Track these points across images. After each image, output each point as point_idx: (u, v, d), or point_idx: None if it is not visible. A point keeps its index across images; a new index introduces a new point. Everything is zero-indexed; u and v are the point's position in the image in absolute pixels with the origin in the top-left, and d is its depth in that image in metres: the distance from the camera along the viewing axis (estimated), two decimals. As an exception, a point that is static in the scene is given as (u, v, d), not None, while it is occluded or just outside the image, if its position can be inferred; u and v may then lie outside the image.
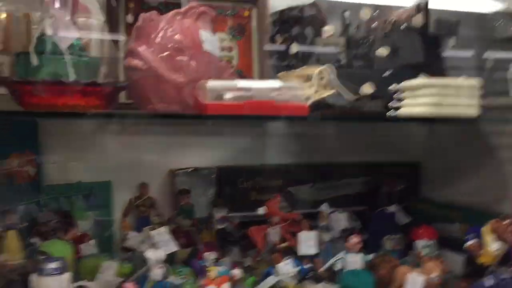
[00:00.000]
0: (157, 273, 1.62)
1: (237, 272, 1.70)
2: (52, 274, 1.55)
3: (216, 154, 2.22)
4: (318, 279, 1.51)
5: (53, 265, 1.56)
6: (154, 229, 1.90)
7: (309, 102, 1.44)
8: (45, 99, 1.38)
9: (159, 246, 1.87)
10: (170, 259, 1.85)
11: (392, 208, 2.25)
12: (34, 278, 1.57)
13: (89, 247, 2.06)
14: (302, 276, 1.70)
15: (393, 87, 1.48)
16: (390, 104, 1.46)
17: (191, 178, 2.14)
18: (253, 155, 2.23)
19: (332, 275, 1.73)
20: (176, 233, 1.85)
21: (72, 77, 1.32)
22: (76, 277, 1.88)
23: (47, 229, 2.02)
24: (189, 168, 2.16)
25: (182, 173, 2.15)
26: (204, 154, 2.20)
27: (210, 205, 2.12)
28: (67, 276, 1.58)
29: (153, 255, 1.62)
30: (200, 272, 1.72)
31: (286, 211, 1.98)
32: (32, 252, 1.91)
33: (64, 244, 1.98)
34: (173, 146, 2.18)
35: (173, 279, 1.73)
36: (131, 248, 2.00)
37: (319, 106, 1.56)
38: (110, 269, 1.91)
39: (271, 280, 1.74)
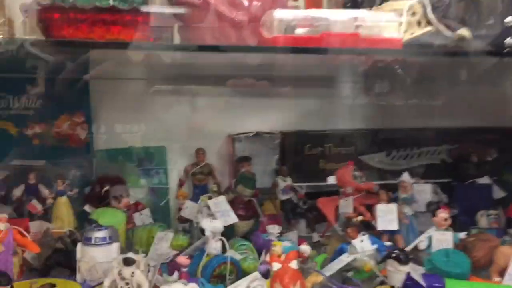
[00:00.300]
0: (214, 246, 1.41)
1: (306, 249, 1.46)
2: (99, 244, 1.38)
3: (280, 118, 2.08)
4: (403, 260, 1.23)
5: (100, 234, 1.39)
6: (211, 198, 1.73)
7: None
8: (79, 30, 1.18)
9: (217, 217, 1.69)
10: (229, 232, 1.70)
11: (483, 180, 1.92)
12: (79, 247, 1.40)
13: (143, 217, 1.92)
14: (381, 256, 1.40)
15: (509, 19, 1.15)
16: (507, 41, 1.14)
17: (253, 143, 2.03)
18: (322, 119, 2.09)
19: (416, 255, 1.48)
20: (235, 204, 1.74)
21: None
22: (129, 248, 1.76)
23: (99, 196, 1.87)
24: (250, 132, 2.03)
25: (242, 138, 2.03)
26: (267, 117, 2.07)
27: (273, 173, 1.99)
28: (115, 246, 1.41)
29: (210, 226, 1.41)
30: (263, 247, 1.54)
31: (360, 181, 1.79)
32: (84, 221, 1.76)
33: (116, 213, 1.85)
34: (233, 108, 2.06)
35: (232, 254, 1.52)
36: (188, 219, 1.86)
37: (412, 45, 1.28)
38: (164, 240, 1.74)
39: (344, 258, 1.49)
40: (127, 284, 1.24)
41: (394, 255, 1.36)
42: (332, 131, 2.07)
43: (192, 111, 2.03)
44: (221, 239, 1.44)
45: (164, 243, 1.74)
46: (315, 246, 1.76)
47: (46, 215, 1.89)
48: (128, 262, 1.24)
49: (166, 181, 2.03)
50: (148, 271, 1.32)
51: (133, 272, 1.24)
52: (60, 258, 1.49)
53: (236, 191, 1.86)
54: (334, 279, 1.43)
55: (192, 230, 1.84)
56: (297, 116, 2.09)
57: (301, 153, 2.05)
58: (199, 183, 1.98)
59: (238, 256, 1.56)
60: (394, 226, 1.67)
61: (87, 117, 1.97)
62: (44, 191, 1.89)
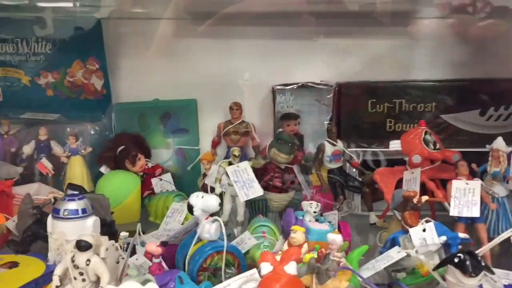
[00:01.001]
0: (206, 229, 1.06)
1: (335, 238, 1.05)
2: (68, 218, 1.10)
3: (336, 65, 1.74)
4: (469, 269, 0.79)
5: (71, 206, 1.11)
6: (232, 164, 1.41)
7: None
8: None
9: (237, 187, 1.38)
10: (262, 208, 1.45)
11: None
12: (49, 220, 1.13)
13: (164, 183, 1.65)
14: (450, 254, 0.99)
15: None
16: None
17: (300, 98, 1.71)
18: (392, 67, 1.72)
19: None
20: (268, 172, 1.47)
21: None
22: (144, 219, 1.54)
23: (114, 156, 1.60)
24: (296, 84, 1.70)
25: (287, 90, 1.70)
26: (317, 65, 1.74)
27: (324, 136, 1.61)
28: (91, 221, 1.11)
29: (200, 203, 1.05)
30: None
31: (433, 148, 1.44)
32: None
33: (128, 177, 1.59)
34: (276, 54, 1.75)
35: (246, 238, 1.16)
36: (214, 187, 1.52)
37: None
38: (179, 213, 1.43)
39: (394, 254, 1.08)
40: (81, 274, 0.94)
41: (457, 260, 0.90)
42: (405, 82, 1.70)
43: (228, 57, 1.74)
44: (216, 220, 1.07)
45: (178, 216, 1.43)
46: (370, 230, 1.50)
47: (59, 176, 1.66)
48: (81, 246, 0.93)
49: (197, 141, 1.77)
50: (121, 257, 1.00)
51: (88, 260, 0.93)
52: (38, 231, 1.23)
53: (272, 156, 1.49)
54: (374, 283, 1.01)
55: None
56: (358, 63, 1.73)
57: (362, 110, 1.69)
58: (234, 144, 1.69)
59: (252, 242, 1.20)
60: (475, 212, 1.25)
61: (102, 64, 1.69)
62: (57, 149, 1.68)
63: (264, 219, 1.34)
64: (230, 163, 1.42)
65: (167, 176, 1.65)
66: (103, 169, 1.65)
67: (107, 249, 0.96)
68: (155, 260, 1.00)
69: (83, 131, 1.69)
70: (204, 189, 1.57)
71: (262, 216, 1.35)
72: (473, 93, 1.67)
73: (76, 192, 1.20)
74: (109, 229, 1.26)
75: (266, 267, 0.84)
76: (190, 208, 1.08)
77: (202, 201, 1.08)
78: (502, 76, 1.69)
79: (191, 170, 1.74)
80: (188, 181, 1.71)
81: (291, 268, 0.83)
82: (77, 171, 1.67)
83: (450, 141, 1.60)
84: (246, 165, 1.41)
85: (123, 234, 1.15)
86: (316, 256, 0.96)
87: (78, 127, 1.69)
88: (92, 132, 1.71)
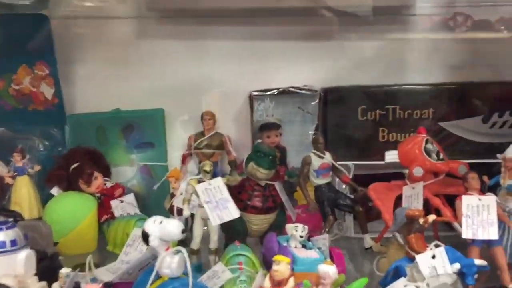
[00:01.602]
0: (167, 263, 0.84)
1: (329, 271, 0.85)
2: (-8, 251, 0.87)
3: (322, 68, 1.60)
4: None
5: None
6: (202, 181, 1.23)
7: None
8: None
9: (209, 209, 1.20)
10: (241, 233, 1.28)
11: None
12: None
13: (125, 205, 1.45)
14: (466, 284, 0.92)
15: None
16: None
17: (281, 105, 1.57)
18: (384, 70, 1.58)
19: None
20: (246, 190, 1.32)
21: None
22: (103, 248, 1.38)
23: (66, 175, 1.39)
24: (276, 89, 1.56)
25: (266, 97, 1.56)
26: (300, 68, 1.60)
27: (309, 148, 1.45)
28: (23, 255, 0.88)
29: (158, 229, 0.83)
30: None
31: (437, 159, 1.28)
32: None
33: (84, 199, 1.42)
34: (254, 57, 1.60)
35: (215, 271, 0.94)
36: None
37: None
38: (140, 241, 1.20)
39: (399, 287, 0.86)
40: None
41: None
42: (398, 86, 1.56)
43: (199, 60, 1.60)
44: (179, 251, 0.86)
45: (140, 245, 1.21)
46: (365, 255, 1.34)
47: (3, 200, 1.44)
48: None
49: (164, 156, 1.61)
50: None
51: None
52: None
53: (250, 171, 1.32)
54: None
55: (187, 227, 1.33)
56: (346, 66, 1.59)
57: (352, 118, 1.54)
58: (207, 159, 1.49)
59: (226, 275, 0.98)
60: (493, 233, 1.07)
61: (52, 70, 1.51)
62: (1, 169, 1.44)
63: (241, 247, 1.14)
64: (200, 181, 1.23)
65: (130, 197, 1.47)
66: (54, 190, 1.48)
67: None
68: (95, 307, 0.78)
69: (31, 147, 1.53)
70: (172, 211, 1.39)
71: (239, 243, 1.14)
72: (475, 98, 1.53)
73: (6, 220, 0.97)
74: (50, 264, 1.04)
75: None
76: (146, 237, 0.87)
77: (160, 228, 0.86)
78: (505, 79, 1.57)
79: (158, 190, 1.55)
80: (155, 203, 1.54)
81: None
82: (23, 193, 1.48)
83: (450, 151, 1.42)
84: (219, 183, 1.23)
85: (64, 271, 0.92)
86: (305, 296, 0.75)
87: (25, 143, 1.52)
88: (42, 148, 1.55)
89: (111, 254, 1.34)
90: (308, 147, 1.46)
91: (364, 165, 1.49)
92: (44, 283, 0.79)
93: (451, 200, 1.20)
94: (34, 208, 1.46)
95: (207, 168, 1.22)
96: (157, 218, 0.88)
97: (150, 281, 0.86)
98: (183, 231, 0.86)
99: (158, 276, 0.88)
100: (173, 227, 0.85)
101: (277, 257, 0.92)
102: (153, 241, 0.86)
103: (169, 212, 1.41)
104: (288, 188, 1.46)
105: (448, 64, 1.59)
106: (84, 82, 1.59)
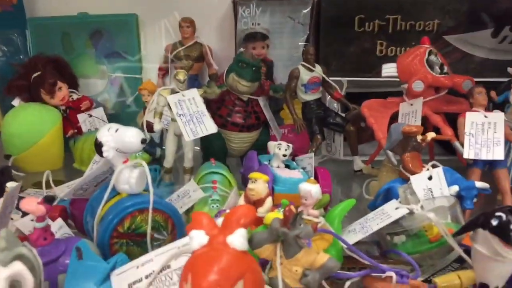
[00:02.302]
0: (125, 178, 0.73)
1: (311, 189, 0.75)
2: None
3: None
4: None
5: None
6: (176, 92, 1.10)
7: None
8: None
9: (182, 122, 1.08)
10: (220, 150, 1.19)
11: None
12: None
13: (93, 120, 1.34)
14: (482, 214, 0.69)
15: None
16: None
17: (269, 13, 1.41)
18: None
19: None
20: (226, 104, 1.22)
21: None
22: (69, 165, 1.29)
23: (27, 84, 1.25)
24: None
25: (252, 3, 1.40)
26: None
27: (299, 62, 1.31)
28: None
29: (114, 138, 0.71)
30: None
31: (439, 72, 1.15)
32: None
33: (46, 111, 1.30)
34: None
35: (186, 190, 0.84)
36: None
37: None
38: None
39: (390, 210, 0.79)
40: None
41: (495, 222, 0.60)
42: None
43: None
44: (138, 164, 0.74)
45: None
46: (354, 179, 1.26)
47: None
48: None
49: (139, 68, 1.47)
50: None
51: None
52: None
53: (231, 84, 1.20)
54: (363, 250, 0.72)
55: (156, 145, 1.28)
56: None
57: (348, 29, 1.40)
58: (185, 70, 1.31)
59: (197, 194, 0.88)
60: (498, 153, 0.97)
61: None
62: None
63: (217, 165, 1.03)
64: (173, 91, 1.10)
65: (99, 112, 1.36)
66: (15, 101, 1.34)
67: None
68: (38, 225, 0.67)
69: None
70: (145, 127, 1.23)
71: (214, 161, 1.03)
72: (484, 9, 1.38)
73: None
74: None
75: (198, 238, 0.52)
76: (99, 148, 0.74)
77: (115, 137, 0.74)
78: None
79: (132, 104, 1.45)
80: (128, 119, 1.41)
81: (237, 239, 0.51)
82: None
83: (455, 68, 1.29)
84: (194, 94, 1.10)
85: (10, 185, 0.81)
86: (282, 216, 0.64)
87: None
88: (0, 55, 1.39)
89: (78, 172, 1.24)
90: (298, 62, 1.31)
91: (358, 82, 1.38)
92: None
93: (453, 121, 1.08)
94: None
95: (181, 76, 1.09)
96: (113, 126, 0.75)
97: (105, 198, 0.75)
98: (142, 141, 0.74)
99: (116, 193, 0.77)
100: (130, 136, 0.73)
101: (253, 174, 0.83)
102: (108, 152, 0.74)
103: (143, 129, 1.22)
104: (274, 105, 1.37)
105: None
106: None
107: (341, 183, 1.23)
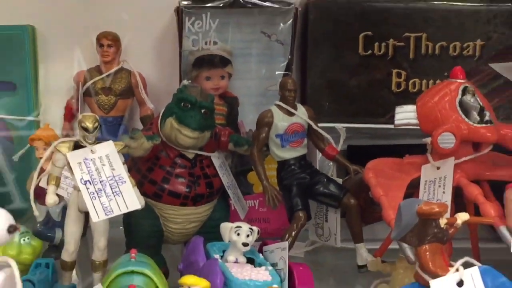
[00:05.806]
0: None
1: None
2: None
3: None
4: None
5: None
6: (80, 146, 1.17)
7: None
8: None
9: (92, 194, 1.11)
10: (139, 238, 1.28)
11: None
12: None
13: None
14: None
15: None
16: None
17: (233, 27, 1.59)
18: None
19: None
20: (166, 164, 1.31)
21: None
22: None
23: None
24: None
25: (205, 12, 1.57)
26: None
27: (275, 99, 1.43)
28: None
29: None
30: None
31: (478, 121, 1.26)
32: None
33: None
34: None
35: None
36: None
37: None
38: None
39: None
40: None
41: None
42: (424, 1, 1.61)
43: None
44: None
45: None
46: (358, 278, 1.34)
47: None
48: None
49: (33, 104, 1.63)
50: None
51: None
52: None
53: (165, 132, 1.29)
54: None
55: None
56: None
57: (348, 52, 1.58)
58: (105, 112, 1.59)
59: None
60: None
61: None
62: None
63: (138, 259, 1.04)
64: (77, 145, 1.15)
65: None
66: None
67: None
68: None
69: None
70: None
71: (135, 253, 1.06)
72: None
73: None
74: None
75: None
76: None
77: None
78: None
79: (20, 160, 1.55)
80: (17, 182, 1.60)
81: None
82: None
83: (505, 114, 1.55)
84: (109, 149, 1.15)
85: None
86: None
87: None
88: None
89: None
90: (273, 98, 1.44)
91: (363, 130, 1.54)
92: None
93: (500, 190, 1.16)
94: None
95: (89, 123, 1.13)
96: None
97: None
98: (10, 229, 0.76)
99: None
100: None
101: (186, 279, 0.86)
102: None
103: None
104: (238, 164, 1.48)
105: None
106: None
107: (337, 285, 1.31)
